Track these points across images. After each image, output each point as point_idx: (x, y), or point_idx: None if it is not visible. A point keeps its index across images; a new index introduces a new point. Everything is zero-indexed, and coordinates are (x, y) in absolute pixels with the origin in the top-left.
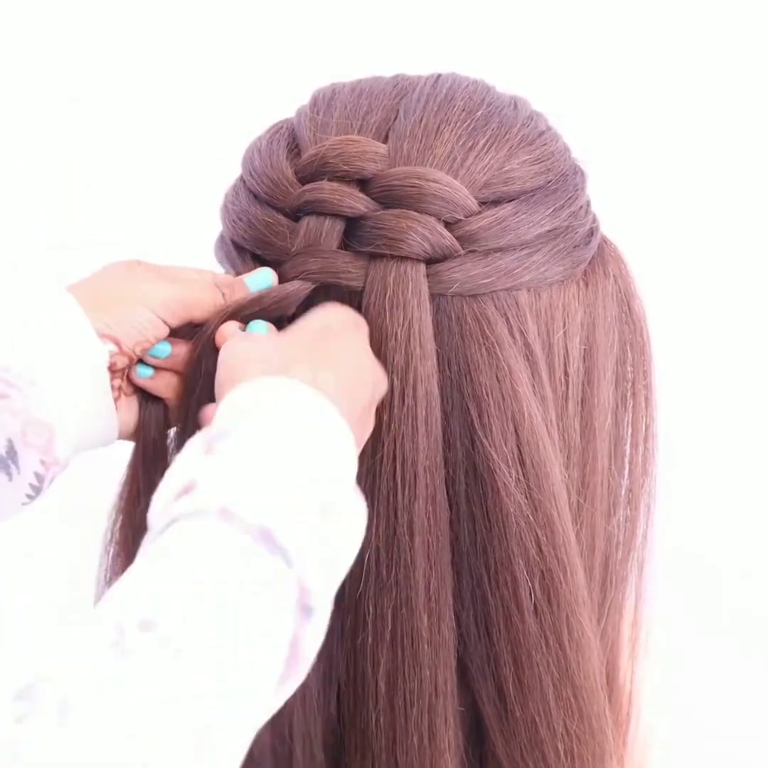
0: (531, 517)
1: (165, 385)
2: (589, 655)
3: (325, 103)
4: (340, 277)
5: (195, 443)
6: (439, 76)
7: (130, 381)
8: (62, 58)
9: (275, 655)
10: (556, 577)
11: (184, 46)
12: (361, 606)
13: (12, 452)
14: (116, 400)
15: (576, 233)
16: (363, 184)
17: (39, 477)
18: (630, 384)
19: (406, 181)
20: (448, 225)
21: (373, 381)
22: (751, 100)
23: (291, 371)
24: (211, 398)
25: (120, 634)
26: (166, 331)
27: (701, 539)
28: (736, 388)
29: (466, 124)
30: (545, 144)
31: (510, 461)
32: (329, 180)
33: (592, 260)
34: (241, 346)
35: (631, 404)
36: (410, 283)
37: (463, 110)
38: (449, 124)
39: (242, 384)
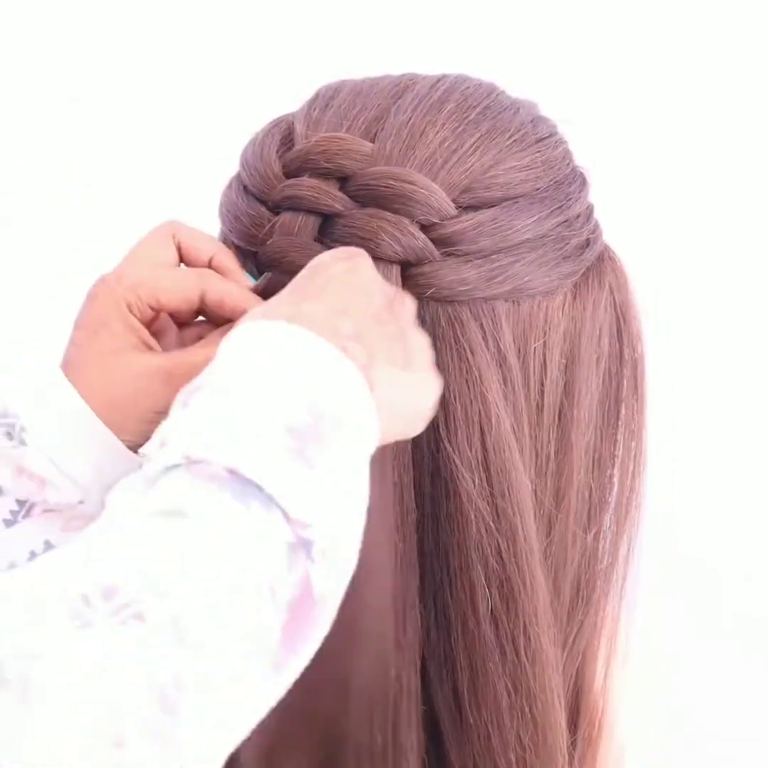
0: (492, 525)
1: None
2: (545, 667)
3: (324, 100)
4: (303, 264)
5: (176, 402)
6: (442, 76)
7: None
8: (62, 58)
9: (265, 604)
10: (516, 586)
11: (184, 46)
12: None
13: None
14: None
15: (567, 244)
16: (344, 182)
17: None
18: (619, 400)
19: (381, 181)
20: (424, 228)
21: (378, 289)
22: (759, 109)
23: (271, 316)
24: None
25: (85, 604)
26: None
27: (702, 543)
28: (737, 393)
29: (454, 126)
30: (539, 151)
31: (473, 467)
32: (311, 176)
33: (587, 271)
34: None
35: (619, 420)
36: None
37: (454, 113)
38: (435, 126)
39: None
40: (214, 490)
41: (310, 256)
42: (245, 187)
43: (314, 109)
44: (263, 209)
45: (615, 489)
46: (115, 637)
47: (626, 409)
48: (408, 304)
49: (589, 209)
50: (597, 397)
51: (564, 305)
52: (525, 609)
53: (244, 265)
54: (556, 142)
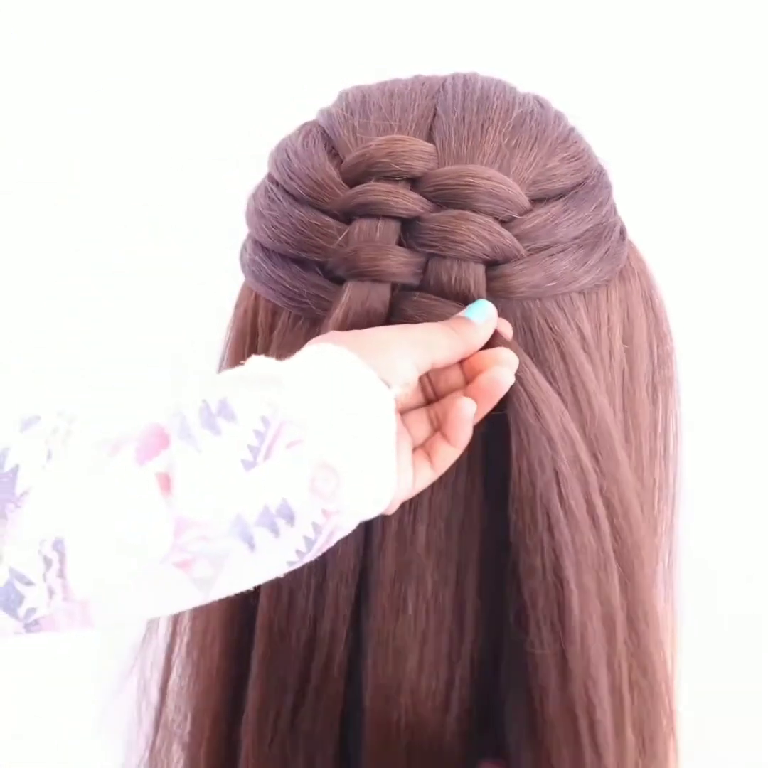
0: (608, 508)
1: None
2: (655, 629)
3: (357, 104)
4: (394, 271)
5: None
6: (465, 75)
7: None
8: (62, 59)
9: None
10: (635, 560)
11: (184, 47)
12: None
13: (284, 507)
14: None
15: (614, 230)
16: (412, 183)
17: (316, 528)
18: (656, 377)
19: (460, 180)
20: (503, 224)
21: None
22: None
23: None
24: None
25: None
26: (416, 376)
27: (703, 544)
28: (739, 391)
29: (506, 123)
30: (576, 141)
31: (586, 453)
32: (377, 180)
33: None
34: None
35: (658, 397)
36: (470, 283)
37: (501, 109)
38: (492, 123)
39: None
40: None
41: (398, 262)
42: (296, 198)
43: (352, 114)
44: (328, 219)
45: (662, 463)
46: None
47: (663, 385)
48: None
49: None
50: (647, 376)
51: (616, 290)
52: (642, 581)
53: (299, 275)
54: (579, 133)
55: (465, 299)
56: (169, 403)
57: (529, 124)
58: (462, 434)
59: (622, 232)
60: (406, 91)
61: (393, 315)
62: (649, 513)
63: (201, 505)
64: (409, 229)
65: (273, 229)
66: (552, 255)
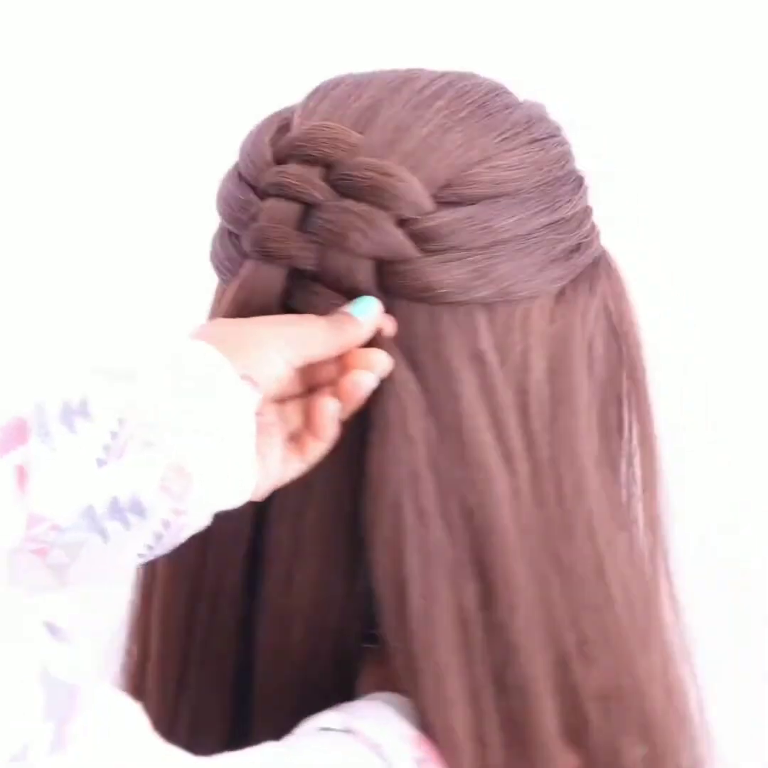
0: (468, 518)
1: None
2: (526, 634)
3: (324, 91)
4: (288, 255)
5: None
6: (445, 72)
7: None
8: (62, 59)
9: None
10: (498, 582)
11: (184, 47)
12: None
13: (135, 502)
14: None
15: (553, 247)
16: (329, 171)
17: (165, 524)
18: (620, 407)
19: (362, 173)
20: (402, 223)
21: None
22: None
23: None
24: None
25: None
26: (290, 372)
27: (701, 544)
28: (743, 402)
29: (442, 122)
30: (529, 152)
31: (448, 460)
32: (297, 163)
33: (577, 276)
34: None
35: (623, 426)
36: (358, 276)
37: (444, 109)
38: (421, 121)
39: None
40: None
41: (291, 245)
42: (239, 174)
43: (312, 100)
44: (252, 195)
45: (639, 487)
46: None
47: (630, 415)
48: None
49: (584, 213)
50: (596, 405)
51: (545, 309)
52: (504, 604)
53: (230, 250)
54: (552, 144)
55: (355, 292)
56: (35, 393)
57: (470, 128)
58: (326, 431)
59: (575, 251)
60: (374, 82)
61: (287, 301)
62: (607, 534)
63: (53, 501)
64: (308, 215)
65: (218, 200)
66: (448, 261)
